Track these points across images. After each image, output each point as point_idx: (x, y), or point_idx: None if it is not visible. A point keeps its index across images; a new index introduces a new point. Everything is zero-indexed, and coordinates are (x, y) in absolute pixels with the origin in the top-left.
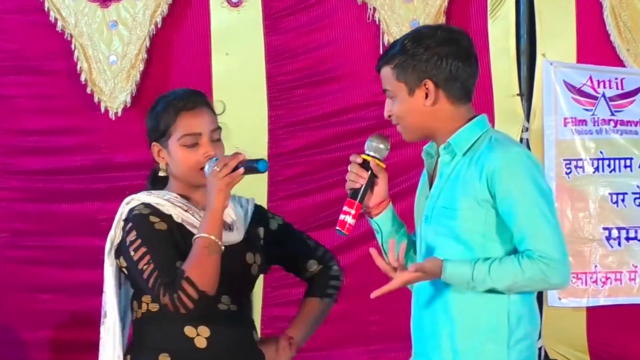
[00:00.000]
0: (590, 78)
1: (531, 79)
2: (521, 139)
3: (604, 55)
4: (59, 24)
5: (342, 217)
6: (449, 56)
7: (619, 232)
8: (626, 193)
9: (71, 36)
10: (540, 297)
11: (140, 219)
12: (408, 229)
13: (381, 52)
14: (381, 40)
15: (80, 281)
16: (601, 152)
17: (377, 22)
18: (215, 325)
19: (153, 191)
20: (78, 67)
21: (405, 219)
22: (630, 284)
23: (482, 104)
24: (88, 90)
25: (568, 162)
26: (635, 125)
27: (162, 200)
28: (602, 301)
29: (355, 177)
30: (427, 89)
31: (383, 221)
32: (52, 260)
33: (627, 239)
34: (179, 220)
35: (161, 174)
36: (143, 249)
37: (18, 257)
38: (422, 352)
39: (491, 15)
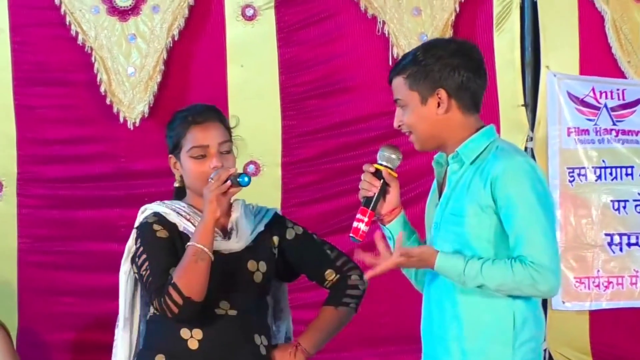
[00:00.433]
0: (593, 89)
1: (535, 90)
2: (526, 148)
3: (605, 67)
4: (80, 37)
5: (355, 224)
6: (460, 67)
7: (621, 238)
8: (627, 200)
9: (91, 49)
10: (544, 300)
11: (144, 228)
12: (419, 236)
13: (390, 64)
14: (390, 52)
15: (100, 285)
16: (603, 161)
17: (386, 35)
18: (210, 329)
19: (166, 201)
20: (98, 79)
21: (415, 225)
22: (631, 288)
23: (488, 114)
24: (107, 101)
25: (571, 170)
26: (636, 135)
27: (169, 210)
28: (604, 305)
29: (368, 186)
30: (439, 97)
31: (395, 228)
32: (73, 265)
33: (629, 244)
34: (182, 229)
35: (176, 184)
36: (144, 256)
37: (40, 261)
38: (432, 353)
39: (497, 28)
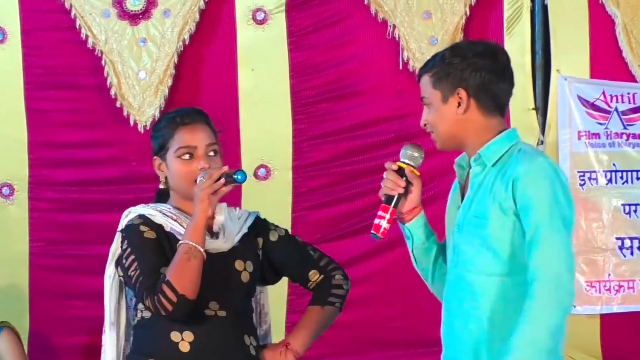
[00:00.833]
0: (604, 93)
1: (546, 93)
2: None
3: (616, 70)
4: (90, 40)
5: (377, 221)
6: (484, 68)
7: (632, 242)
8: (638, 204)
9: (102, 52)
10: None
11: (131, 229)
12: (438, 237)
13: (400, 67)
14: (400, 56)
15: None
16: (614, 165)
17: (397, 39)
18: (200, 330)
19: (149, 203)
20: (108, 82)
21: (432, 225)
22: None
23: None
24: (117, 105)
25: (582, 174)
26: None
27: (155, 211)
28: (615, 308)
29: (393, 185)
30: (459, 97)
31: (415, 227)
32: (84, 268)
33: (639, 248)
34: (168, 230)
35: (161, 186)
36: (132, 257)
37: (51, 265)
38: (453, 356)
39: (507, 32)
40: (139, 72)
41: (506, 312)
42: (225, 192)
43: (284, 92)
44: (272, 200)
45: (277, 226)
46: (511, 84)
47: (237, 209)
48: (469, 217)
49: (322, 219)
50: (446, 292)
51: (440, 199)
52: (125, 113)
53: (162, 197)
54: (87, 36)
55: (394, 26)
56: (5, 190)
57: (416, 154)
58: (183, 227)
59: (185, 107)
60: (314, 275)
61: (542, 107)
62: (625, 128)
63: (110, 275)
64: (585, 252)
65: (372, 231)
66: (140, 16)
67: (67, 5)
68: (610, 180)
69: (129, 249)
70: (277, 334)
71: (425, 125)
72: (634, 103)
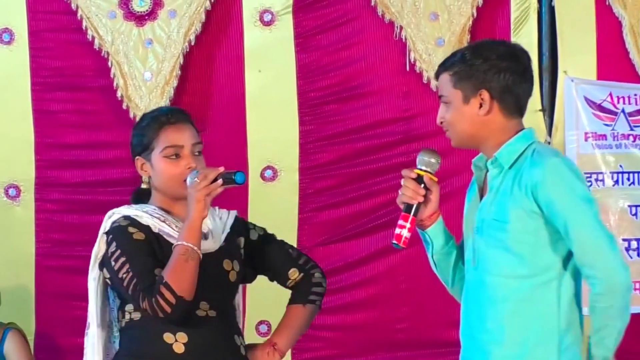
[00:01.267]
0: (610, 94)
1: (553, 95)
2: None
3: (623, 72)
4: (96, 42)
5: (398, 230)
6: (508, 70)
7: (638, 243)
8: None
9: (108, 54)
10: None
11: (119, 231)
12: (456, 240)
13: (407, 69)
14: (407, 57)
15: None
16: (621, 166)
17: (403, 40)
18: (193, 331)
19: (133, 205)
20: (114, 84)
21: (446, 224)
22: None
23: None
24: (124, 106)
25: (589, 175)
26: None
27: (141, 212)
28: None
29: (412, 194)
30: (482, 98)
31: (435, 233)
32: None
33: None
34: (156, 231)
35: (144, 186)
36: (122, 259)
37: (58, 266)
38: (471, 357)
39: (514, 33)
40: (145, 73)
41: (524, 314)
42: (219, 192)
43: (291, 93)
44: (279, 201)
45: (255, 225)
46: (531, 84)
47: (217, 208)
48: (488, 220)
49: (329, 220)
50: (465, 294)
51: (453, 198)
52: (131, 115)
53: (141, 197)
54: (93, 37)
55: (401, 27)
56: (12, 192)
57: (433, 160)
58: (172, 228)
59: (166, 107)
60: (294, 274)
61: (549, 109)
62: (632, 129)
63: (95, 278)
64: None
65: (393, 241)
66: (146, 17)
67: (73, 6)
68: (617, 182)
69: (118, 251)
70: None
71: (442, 122)
72: None
